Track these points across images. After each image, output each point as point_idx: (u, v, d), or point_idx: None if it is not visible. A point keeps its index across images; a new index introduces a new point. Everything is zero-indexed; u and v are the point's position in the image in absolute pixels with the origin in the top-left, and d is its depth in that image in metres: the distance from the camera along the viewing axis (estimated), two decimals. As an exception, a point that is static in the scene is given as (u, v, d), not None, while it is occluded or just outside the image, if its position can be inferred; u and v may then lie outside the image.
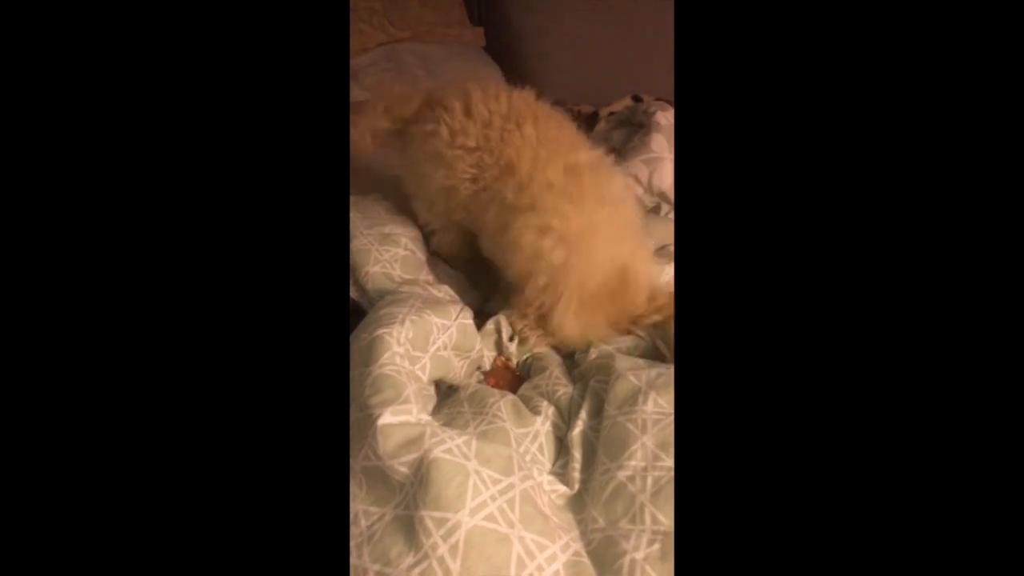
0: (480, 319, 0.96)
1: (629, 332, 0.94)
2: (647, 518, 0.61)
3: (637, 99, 1.63)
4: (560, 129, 0.99)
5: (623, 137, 1.46)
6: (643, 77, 1.89)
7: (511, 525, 0.54)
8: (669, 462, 0.64)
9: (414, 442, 0.59)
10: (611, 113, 1.60)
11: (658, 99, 1.59)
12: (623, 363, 0.80)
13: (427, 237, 1.15)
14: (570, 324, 0.90)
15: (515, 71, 2.30)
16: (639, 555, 0.58)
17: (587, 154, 0.97)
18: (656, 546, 0.59)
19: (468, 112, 0.98)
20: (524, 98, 1.00)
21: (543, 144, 0.93)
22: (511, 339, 0.96)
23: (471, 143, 0.97)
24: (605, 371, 0.81)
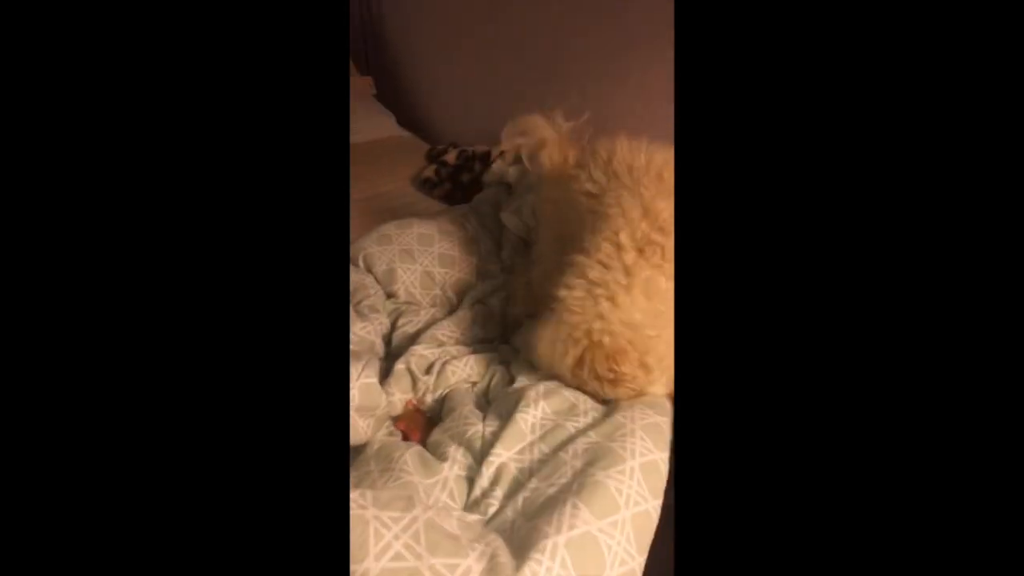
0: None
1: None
2: (567, 509, 0.61)
3: (526, 134, 1.66)
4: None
5: (518, 172, 1.50)
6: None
7: (419, 557, 0.55)
8: (600, 476, 0.65)
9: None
10: (502, 152, 1.62)
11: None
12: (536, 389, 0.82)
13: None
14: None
15: (408, 117, 2.34)
16: (560, 538, 0.58)
17: None
18: (577, 531, 0.59)
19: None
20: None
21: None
22: (427, 371, 0.96)
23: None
24: (516, 398, 0.82)
